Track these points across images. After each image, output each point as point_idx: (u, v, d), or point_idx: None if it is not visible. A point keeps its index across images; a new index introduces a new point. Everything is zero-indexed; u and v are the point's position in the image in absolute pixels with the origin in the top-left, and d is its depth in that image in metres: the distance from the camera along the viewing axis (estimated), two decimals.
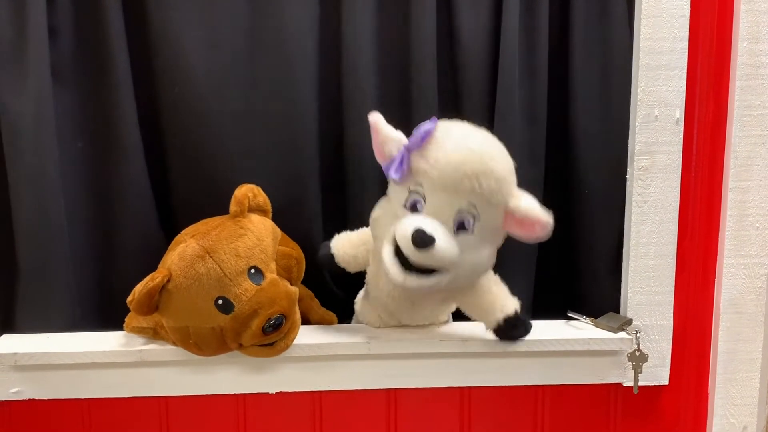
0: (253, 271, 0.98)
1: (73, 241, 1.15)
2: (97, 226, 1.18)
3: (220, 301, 0.97)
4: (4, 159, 1.11)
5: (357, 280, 1.15)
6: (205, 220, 1.02)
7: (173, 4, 1.12)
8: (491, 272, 1.04)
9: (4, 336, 1.13)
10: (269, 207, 1.05)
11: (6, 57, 1.09)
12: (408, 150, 0.96)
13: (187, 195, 1.19)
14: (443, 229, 0.92)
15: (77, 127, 1.15)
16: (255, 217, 1.01)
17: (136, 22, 1.13)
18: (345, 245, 1.11)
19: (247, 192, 1.00)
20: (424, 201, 0.95)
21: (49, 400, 1.13)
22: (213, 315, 0.97)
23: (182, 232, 1.01)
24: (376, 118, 0.99)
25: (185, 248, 0.97)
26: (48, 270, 1.13)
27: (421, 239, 0.90)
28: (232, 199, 1.00)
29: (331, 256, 1.11)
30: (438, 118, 0.97)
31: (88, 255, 1.18)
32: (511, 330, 1.06)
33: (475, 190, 0.92)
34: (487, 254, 0.98)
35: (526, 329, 1.08)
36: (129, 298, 0.96)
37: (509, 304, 1.05)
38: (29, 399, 1.12)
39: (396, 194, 1.00)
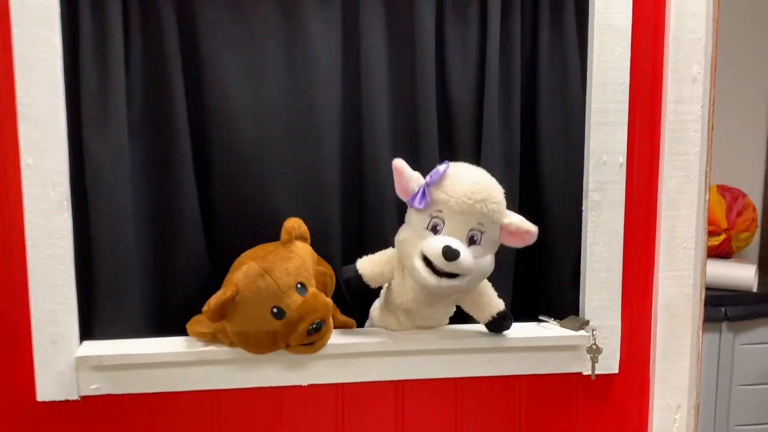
0: (299, 285, 1.26)
1: (140, 265, 1.42)
2: (158, 252, 1.44)
3: (275, 310, 1.24)
4: (87, 197, 1.37)
5: (368, 295, 1.44)
6: (261, 246, 1.30)
7: (225, 71, 1.40)
8: (486, 278, 1.35)
9: (85, 342, 1.38)
10: (308, 236, 1.33)
11: (93, 114, 1.35)
12: (428, 185, 1.28)
13: (229, 226, 1.46)
14: (462, 245, 1.24)
15: (145, 170, 1.41)
16: (299, 244, 1.30)
17: (193, 83, 1.41)
18: (371, 266, 1.39)
19: (294, 224, 1.29)
20: (443, 223, 1.28)
21: (122, 394, 1.38)
22: (269, 321, 1.25)
23: (242, 256, 1.29)
24: (400, 164, 1.31)
25: (248, 268, 1.24)
26: (120, 288, 1.39)
27: (451, 253, 1.23)
28: (283, 230, 1.28)
29: (359, 277, 1.38)
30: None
31: (150, 276, 1.44)
32: (500, 323, 1.37)
33: (483, 213, 1.26)
34: (491, 260, 1.32)
35: (511, 323, 1.38)
36: (204, 308, 1.23)
37: (499, 303, 1.37)
38: (106, 394, 1.37)
39: (417, 220, 1.31)
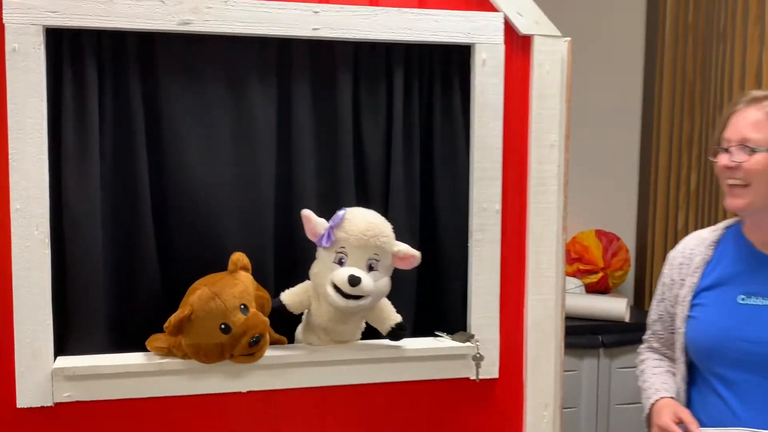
0: (243, 306, 1.58)
1: (106, 293, 1.70)
2: (121, 283, 1.73)
3: (223, 326, 1.56)
4: (64, 236, 1.66)
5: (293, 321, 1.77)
6: (211, 275, 1.62)
7: (182, 135, 1.72)
8: (386, 297, 1.70)
9: (59, 357, 1.65)
10: (250, 267, 1.65)
11: (71, 168, 1.64)
12: (332, 228, 1.62)
13: (183, 261, 1.76)
14: (363, 272, 1.59)
15: (113, 215, 1.70)
16: (242, 273, 1.62)
17: (155, 145, 1.71)
18: (292, 296, 1.73)
19: (238, 257, 1.62)
20: (347, 256, 1.62)
21: (91, 401, 1.65)
22: (218, 335, 1.56)
23: (196, 282, 1.60)
24: (307, 213, 1.65)
25: (201, 292, 1.56)
26: (89, 312, 1.67)
27: (354, 280, 1.57)
28: (230, 261, 1.61)
29: (284, 306, 1.72)
30: (348, 207, 1.65)
31: (115, 302, 1.72)
32: (398, 333, 1.72)
33: (376, 245, 1.62)
34: (387, 281, 1.66)
35: (406, 333, 1.73)
36: (166, 324, 1.54)
37: (396, 317, 1.72)
38: (77, 401, 1.64)
39: (325, 256, 1.65)
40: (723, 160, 1.49)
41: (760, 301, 1.48)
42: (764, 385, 1.46)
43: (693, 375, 1.61)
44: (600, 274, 3.31)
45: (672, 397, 1.58)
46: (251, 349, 1.59)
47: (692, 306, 1.57)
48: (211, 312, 1.55)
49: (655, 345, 1.71)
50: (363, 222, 1.64)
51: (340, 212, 1.65)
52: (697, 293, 1.57)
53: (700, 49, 3.12)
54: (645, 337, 1.76)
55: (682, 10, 3.22)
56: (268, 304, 1.69)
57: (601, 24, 3.35)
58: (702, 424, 1.49)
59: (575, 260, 3.31)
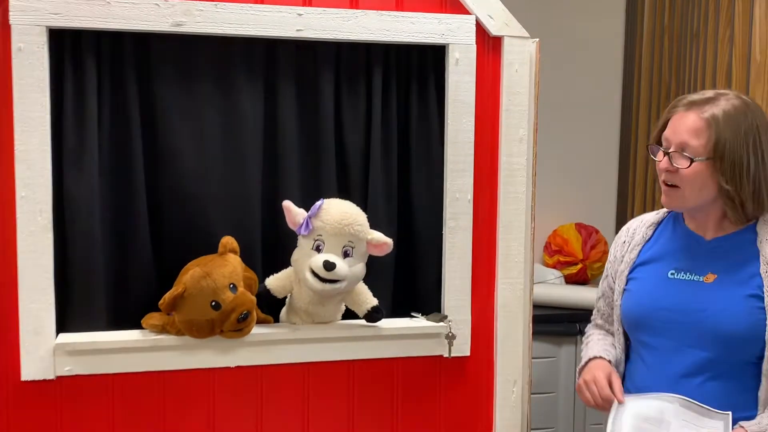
0: (232, 286, 1.71)
1: (104, 275, 1.83)
2: (118, 266, 1.85)
3: (213, 303, 1.69)
4: (65, 222, 1.79)
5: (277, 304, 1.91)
6: (204, 257, 1.75)
7: (174, 130, 1.84)
8: (362, 281, 1.83)
9: (60, 334, 1.78)
10: (238, 250, 1.79)
11: (72, 159, 1.77)
12: (310, 217, 1.76)
13: (175, 245, 1.88)
14: (338, 258, 1.72)
15: (110, 203, 1.83)
16: (231, 255, 1.75)
17: (150, 139, 1.84)
18: (275, 282, 1.87)
19: (227, 240, 1.76)
20: (324, 244, 1.75)
21: (90, 375, 1.78)
22: (209, 311, 1.70)
23: (189, 264, 1.74)
24: (287, 204, 1.79)
25: (194, 272, 1.69)
26: (88, 292, 1.80)
27: (329, 265, 1.70)
28: (219, 244, 1.74)
29: (268, 291, 1.86)
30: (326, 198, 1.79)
31: (112, 283, 1.85)
32: (374, 315, 1.85)
33: (351, 233, 1.75)
34: (362, 267, 1.79)
35: (382, 316, 1.87)
36: (161, 302, 1.67)
37: (373, 300, 1.86)
38: (77, 374, 1.77)
39: (304, 243, 1.79)
40: (663, 162, 1.55)
41: (687, 276, 1.60)
42: (680, 349, 1.57)
43: (628, 350, 1.72)
44: (579, 266, 3.44)
45: (610, 362, 1.68)
46: (240, 325, 1.72)
47: (628, 280, 1.69)
48: (202, 290, 1.68)
49: (599, 321, 1.83)
50: (338, 212, 1.77)
51: (318, 203, 1.79)
52: (634, 268, 1.68)
53: (675, 49, 3.25)
54: (592, 316, 1.87)
55: (658, 13, 3.35)
56: (256, 284, 1.82)
57: (584, 26, 3.50)
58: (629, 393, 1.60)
59: (555, 252, 3.44)
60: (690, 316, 1.56)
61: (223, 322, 1.71)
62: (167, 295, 1.66)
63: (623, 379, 1.69)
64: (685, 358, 1.57)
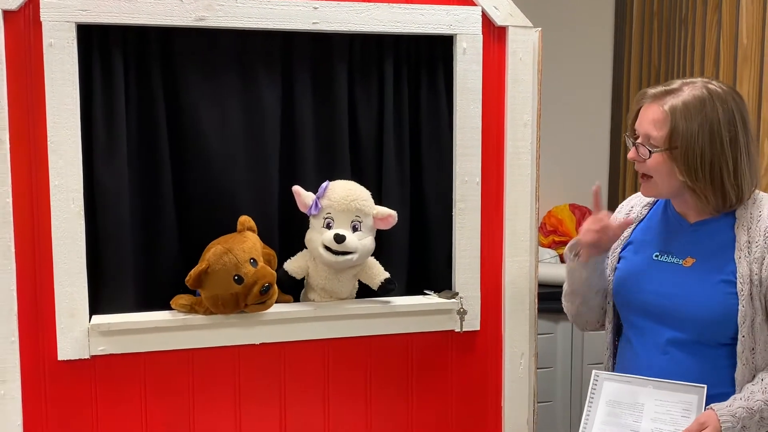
0: (252, 260, 1.82)
1: (134, 259, 1.92)
2: (147, 250, 1.95)
3: (236, 277, 1.79)
4: (97, 209, 1.87)
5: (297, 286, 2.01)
6: (224, 236, 1.85)
7: (199, 119, 1.93)
8: (372, 254, 1.95)
9: (95, 316, 1.87)
10: (255, 228, 1.89)
11: (101, 149, 1.86)
12: (318, 198, 1.87)
13: (199, 229, 1.97)
14: (347, 231, 1.85)
15: (138, 190, 1.92)
16: (249, 233, 1.86)
17: (175, 129, 1.93)
18: (293, 264, 1.98)
19: (244, 219, 1.87)
20: (333, 221, 1.87)
21: (122, 354, 1.87)
22: (232, 285, 1.80)
23: (212, 243, 1.84)
24: (297, 188, 1.90)
25: (216, 249, 1.80)
26: (121, 276, 1.89)
27: (339, 238, 1.83)
28: (238, 223, 1.85)
29: (286, 273, 1.97)
30: (343, 180, 1.92)
31: (142, 266, 1.94)
32: (387, 286, 1.96)
33: (357, 208, 1.87)
34: (371, 240, 1.91)
35: (394, 287, 1.97)
36: (187, 278, 1.77)
37: (384, 273, 1.97)
38: (110, 354, 1.86)
39: (316, 223, 1.91)
40: (631, 153, 1.61)
41: (669, 259, 1.65)
42: (660, 331, 1.63)
43: (619, 330, 1.81)
44: None
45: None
46: (262, 297, 1.83)
47: (619, 258, 1.76)
48: (225, 265, 1.78)
49: None
50: (343, 189, 1.90)
51: (324, 184, 1.91)
52: (625, 246, 1.76)
53: (664, 34, 3.36)
54: None
55: None
56: (275, 259, 1.93)
57: (574, 13, 3.60)
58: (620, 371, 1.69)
59: (551, 232, 3.56)
60: (669, 299, 1.62)
61: (246, 295, 1.81)
62: (192, 272, 1.77)
63: (614, 360, 1.78)
64: (663, 338, 1.62)
